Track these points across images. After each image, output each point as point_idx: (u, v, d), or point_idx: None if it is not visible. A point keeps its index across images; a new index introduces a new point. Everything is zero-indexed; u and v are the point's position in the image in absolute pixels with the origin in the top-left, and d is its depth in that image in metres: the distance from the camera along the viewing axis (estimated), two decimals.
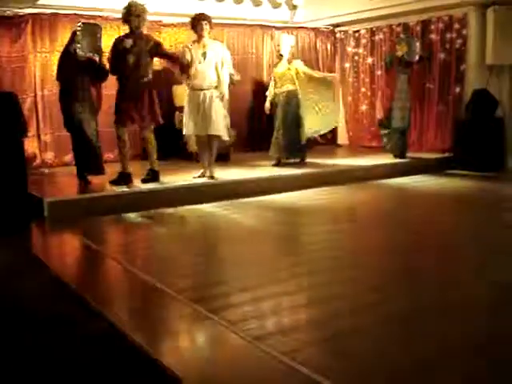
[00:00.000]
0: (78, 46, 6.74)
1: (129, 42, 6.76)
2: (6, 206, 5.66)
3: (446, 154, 9.37)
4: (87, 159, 6.92)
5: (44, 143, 8.77)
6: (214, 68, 7.10)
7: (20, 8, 8.46)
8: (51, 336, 3.17)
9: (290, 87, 8.56)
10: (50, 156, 8.82)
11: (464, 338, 3.03)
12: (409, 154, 9.21)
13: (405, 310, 3.44)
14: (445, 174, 8.73)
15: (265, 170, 8.19)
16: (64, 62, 7.00)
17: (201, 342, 3.16)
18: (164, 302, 3.62)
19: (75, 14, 8.56)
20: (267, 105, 8.86)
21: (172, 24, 9.77)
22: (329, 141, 11.64)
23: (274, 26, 11.06)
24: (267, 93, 8.91)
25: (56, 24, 8.60)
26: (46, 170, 8.52)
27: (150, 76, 6.88)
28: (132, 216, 6.19)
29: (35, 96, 8.66)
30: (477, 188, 7.79)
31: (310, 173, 8.15)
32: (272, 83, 8.82)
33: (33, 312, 3.53)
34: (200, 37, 7.17)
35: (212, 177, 7.28)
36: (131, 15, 6.73)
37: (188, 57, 7.05)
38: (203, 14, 7.26)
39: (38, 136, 8.71)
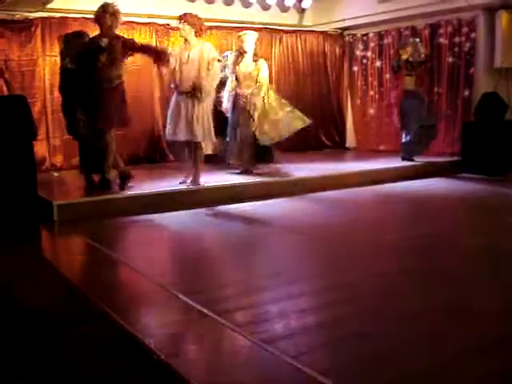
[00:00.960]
0: (67, 60, 6.88)
1: (104, 41, 6.54)
2: (15, 209, 5.68)
3: (455, 158, 9.34)
4: (93, 161, 6.93)
5: (53, 146, 8.82)
6: (197, 70, 6.84)
7: (30, 12, 8.52)
8: (61, 339, 3.18)
9: (254, 90, 8.00)
10: (59, 159, 8.86)
11: (477, 340, 3.01)
12: (417, 158, 9.20)
13: (415, 311, 3.43)
14: (453, 178, 8.70)
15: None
16: (62, 77, 7.14)
17: (208, 345, 3.15)
18: (172, 305, 3.62)
19: (84, 17, 8.59)
20: (228, 105, 8.19)
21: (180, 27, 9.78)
22: (337, 144, 11.66)
23: (282, 30, 11.09)
24: (224, 92, 8.20)
25: (65, 28, 8.62)
26: (55, 173, 8.56)
27: (123, 77, 6.71)
28: (141, 218, 6.19)
29: (44, 99, 8.72)
30: (485, 192, 7.75)
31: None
32: (233, 82, 8.09)
33: (43, 315, 3.54)
34: (184, 38, 7.06)
35: (193, 183, 7.03)
36: (107, 14, 6.57)
37: (172, 61, 6.90)
38: (183, 14, 7.04)
39: (48, 139, 8.76)
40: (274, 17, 10.92)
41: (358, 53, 11.41)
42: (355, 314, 3.40)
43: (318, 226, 5.83)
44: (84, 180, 7.10)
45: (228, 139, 8.14)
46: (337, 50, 11.74)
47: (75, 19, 8.73)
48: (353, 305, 3.55)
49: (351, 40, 11.58)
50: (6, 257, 4.78)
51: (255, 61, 8.06)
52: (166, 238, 5.69)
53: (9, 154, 5.74)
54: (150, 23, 9.61)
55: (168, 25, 9.68)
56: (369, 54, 11.17)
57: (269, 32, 10.93)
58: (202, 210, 6.52)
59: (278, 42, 11.07)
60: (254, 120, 7.89)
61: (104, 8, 6.61)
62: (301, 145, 11.21)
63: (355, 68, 11.50)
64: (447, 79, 9.74)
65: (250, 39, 8.07)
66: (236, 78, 8.06)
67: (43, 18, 8.66)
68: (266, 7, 10.68)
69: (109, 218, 6.08)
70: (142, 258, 4.81)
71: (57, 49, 8.59)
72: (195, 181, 7.05)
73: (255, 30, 10.55)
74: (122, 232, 5.99)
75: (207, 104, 6.99)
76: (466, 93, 9.52)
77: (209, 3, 10.09)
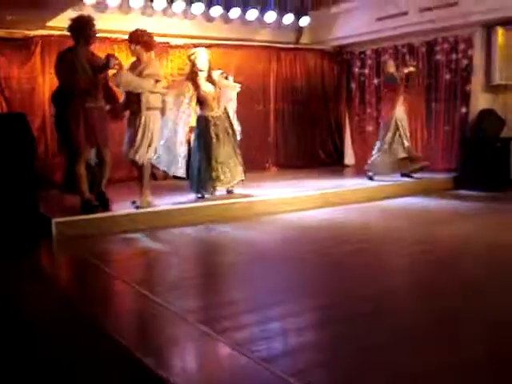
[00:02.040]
0: None
1: (86, 56, 6.36)
2: (16, 225, 5.70)
3: (452, 174, 9.37)
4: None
5: (52, 163, 8.83)
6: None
7: (29, 30, 8.57)
8: (59, 355, 3.17)
9: (220, 111, 7.50)
10: (58, 176, 8.86)
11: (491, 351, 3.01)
12: (416, 174, 9.23)
13: (418, 326, 3.44)
14: (450, 195, 8.72)
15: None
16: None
17: (209, 363, 3.15)
18: (172, 323, 3.62)
19: None
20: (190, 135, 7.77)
21: (179, 46, 9.86)
22: (335, 161, 11.70)
23: (280, 48, 11.16)
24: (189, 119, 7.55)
25: (65, 45, 8.62)
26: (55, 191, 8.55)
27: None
28: (139, 236, 6.20)
29: (44, 117, 8.75)
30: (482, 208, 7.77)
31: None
32: (192, 107, 7.48)
33: (41, 331, 3.54)
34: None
35: (137, 206, 6.67)
36: (91, 28, 6.41)
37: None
38: (132, 33, 6.77)
39: (47, 156, 8.78)
40: (272, 35, 10.99)
41: (356, 70, 11.48)
42: (353, 332, 3.40)
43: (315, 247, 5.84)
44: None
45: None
46: (334, 67, 11.83)
47: None
48: (350, 323, 3.55)
49: (349, 57, 11.66)
50: (4, 273, 4.79)
51: (210, 79, 7.44)
52: (163, 255, 5.68)
53: (10, 172, 5.76)
54: None
55: (167, 43, 9.74)
56: (366, 71, 11.24)
57: (267, 50, 11.02)
58: (199, 227, 6.55)
59: (275, 59, 11.14)
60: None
61: (88, 21, 6.41)
62: (298, 162, 11.28)
63: (353, 85, 11.57)
64: (444, 96, 9.79)
65: (203, 56, 7.44)
66: (200, 101, 7.42)
67: (43, 36, 8.72)
68: (264, 25, 10.75)
69: (107, 235, 6.09)
70: (139, 275, 4.81)
71: None
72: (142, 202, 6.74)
73: (253, 47, 10.71)
74: (120, 249, 5.98)
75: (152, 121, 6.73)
76: (463, 109, 9.57)
77: (208, 21, 10.16)
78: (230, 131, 7.55)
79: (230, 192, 7.66)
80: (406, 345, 3.21)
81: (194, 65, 7.43)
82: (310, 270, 4.95)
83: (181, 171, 7.41)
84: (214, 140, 7.34)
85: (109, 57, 6.35)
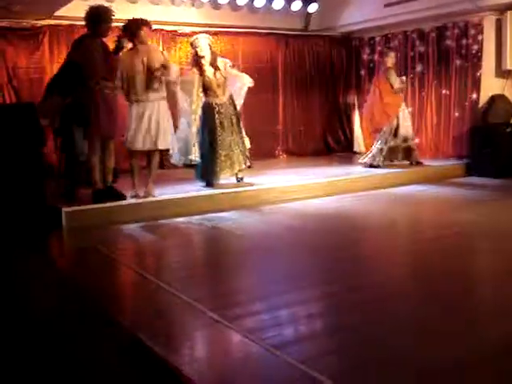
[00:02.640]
0: None
1: (100, 44, 6.39)
2: (24, 216, 5.71)
3: (463, 161, 9.31)
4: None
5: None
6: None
7: (37, 20, 8.57)
8: (70, 345, 3.19)
9: (225, 97, 7.44)
10: None
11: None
12: (425, 161, 9.20)
13: (430, 314, 3.42)
14: (461, 182, 8.67)
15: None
16: None
17: (219, 351, 3.15)
18: (183, 311, 3.62)
19: None
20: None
21: (187, 34, 9.81)
22: (345, 148, 11.65)
23: (288, 35, 11.10)
24: (185, 105, 7.66)
25: (73, 35, 8.61)
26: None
27: None
28: (150, 225, 6.21)
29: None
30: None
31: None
32: (195, 95, 7.49)
33: (52, 322, 3.55)
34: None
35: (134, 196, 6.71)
36: (109, 21, 6.41)
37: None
38: (132, 21, 6.71)
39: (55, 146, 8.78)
40: (280, 22, 10.92)
41: (365, 56, 11.40)
42: (364, 320, 3.39)
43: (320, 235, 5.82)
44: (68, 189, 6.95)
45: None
46: (343, 54, 11.74)
47: (83, 26, 8.74)
48: (361, 310, 3.54)
49: (358, 44, 11.58)
50: (15, 264, 4.81)
51: (214, 64, 7.38)
52: (174, 244, 5.69)
53: (18, 162, 5.78)
54: (156, 30, 9.62)
55: (175, 31, 9.71)
56: (375, 57, 11.15)
57: (275, 37, 10.96)
58: (206, 216, 6.54)
59: (284, 47, 11.09)
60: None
61: (108, 12, 6.42)
62: (308, 150, 11.25)
63: (362, 72, 11.49)
64: (455, 82, 9.70)
65: (203, 42, 7.42)
66: (204, 87, 7.37)
67: (51, 26, 8.73)
68: (272, 12, 10.69)
69: (117, 225, 6.10)
70: (150, 263, 4.82)
71: (65, 56, 8.64)
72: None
73: (260, 35, 10.66)
74: (131, 238, 6.00)
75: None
76: (474, 95, 9.49)
77: (215, 9, 10.11)
78: (235, 119, 7.49)
79: (239, 180, 7.64)
80: (416, 333, 3.20)
81: (196, 51, 7.41)
82: (319, 257, 4.93)
83: (195, 159, 7.53)
84: (219, 128, 7.30)
85: (120, 37, 6.43)
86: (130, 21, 6.74)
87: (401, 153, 9.15)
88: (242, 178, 7.66)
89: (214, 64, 7.39)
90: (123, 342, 3.20)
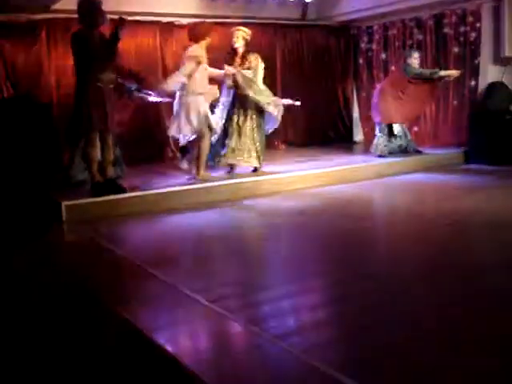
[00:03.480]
0: None
1: (97, 36, 6.33)
2: (29, 210, 5.73)
3: (462, 148, 9.31)
4: None
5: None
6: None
7: (34, 14, 8.54)
8: (72, 340, 3.21)
9: (251, 92, 7.55)
10: (67, 158, 8.88)
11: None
12: (425, 150, 9.22)
13: (434, 303, 3.44)
14: (460, 170, 8.67)
15: None
16: None
17: (221, 342, 3.17)
18: (183, 303, 3.64)
19: None
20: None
21: (184, 25, 9.78)
22: (344, 138, 11.63)
23: (285, 25, 11.07)
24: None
25: (70, 29, 8.60)
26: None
27: None
28: (150, 217, 6.22)
29: (51, 101, 8.73)
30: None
31: None
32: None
33: (52, 316, 3.57)
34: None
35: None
36: (96, 12, 6.32)
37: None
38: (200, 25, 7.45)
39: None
40: (277, 12, 10.87)
41: (363, 45, 11.38)
42: (367, 310, 3.40)
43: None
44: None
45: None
46: (341, 43, 11.71)
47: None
48: (364, 300, 3.56)
49: (356, 33, 11.56)
50: (15, 257, 4.83)
51: (246, 57, 7.66)
52: (175, 236, 5.69)
53: (20, 155, 5.79)
54: (153, 22, 9.61)
55: (172, 23, 9.68)
56: (374, 46, 11.13)
57: (272, 27, 10.92)
58: (212, 207, 6.56)
59: (281, 37, 11.06)
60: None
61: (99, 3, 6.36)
62: (307, 139, 11.23)
63: (360, 61, 11.48)
64: (453, 69, 9.67)
65: (239, 35, 7.69)
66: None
67: (48, 20, 8.68)
68: (269, 3, 10.64)
69: (117, 218, 6.11)
70: (151, 256, 4.82)
71: (62, 51, 8.64)
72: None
73: (257, 25, 10.62)
74: (131, 231, 6.01)
75: None
76: (473, 82, 9.48)
77: (212, 0, 10.07)
78: (254, 115, 7.65)
79: (231, 168, 7.75)
80: (422, 324, 3.20)
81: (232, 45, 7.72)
82: (323, 247, 4.95)
83: None
84: (235, 116, 7.56)
85: (117, 26, 6.15)
86: (199, 25, 7.47)
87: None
88: (232, 167, 7.78)
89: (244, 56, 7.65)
90: (123, 333, 3.22)
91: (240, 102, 7.59)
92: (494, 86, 9.09)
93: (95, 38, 6.29)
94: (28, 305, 3.80)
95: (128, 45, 9.08)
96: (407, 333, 3.04)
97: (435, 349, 2.81)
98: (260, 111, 7.70)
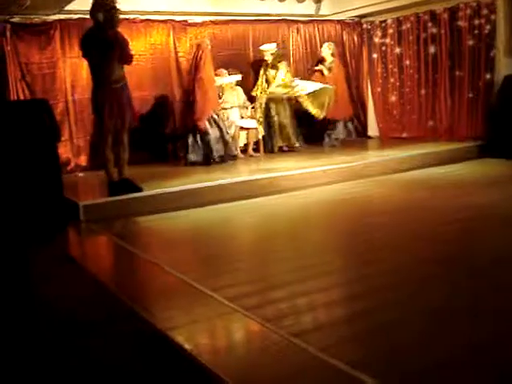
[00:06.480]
0: None
1: (110, 35, 6.36)
2: (42, 210, 5.76)
3: (479, 142, 9.23)
4: None
5: (77, 147, 8.92)
6: None
7: (47, 15, 8.59)
8: (91, 339, 3.23)
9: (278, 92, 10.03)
10: (83, 160, 8.96)
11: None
12: (440, 144, 9.15)
13: (451, 299, 3.42)
14: (476, 163, 8.60)
15: None
16: None
17: (238, 340, 3.18)
18: (200, 301, 3.65)
19: None
20: None
21: (197, 23, 9.80)
22: (359, 133, 11.58)
23: (299, 21, 11.04)
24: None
25: (84, 29, 8.68)
26: (80, 174, 8.67)
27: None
28: (167, 216, 6.24)
29: (66, 101, 8.80)
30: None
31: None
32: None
33: (72, 315, 3.60)
34: None
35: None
36: (110, 12, 6.37)
37: None
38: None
39: (71, 140, 8.86)
40: (291, 8, 10.86)
41: (377, 40, 11.31)
42: (383, 305, 3.40)
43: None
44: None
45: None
46: (355, 38, 11.64)
47: None
48: (379, 297, 3.55)
49: (369, 27, 11.48)
50: (34, 258, 4.86)
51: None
52: (191, 234, 5.71)
53: (34, 157, 5.82)
54: (167, 20, 9.62)
55: (185, 21, 9.69)
56: (388, 40, 11.07)
57: (286, 23, 10.90)
58: (226, 205, 6.57)
59: (295, 32, 11.02)
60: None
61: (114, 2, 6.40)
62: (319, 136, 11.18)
63: (374, 55, 11.40)
64: (468, 62, 9.61)
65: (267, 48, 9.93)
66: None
67: (61, 20, 8.74)
68: None
69: (135, 217, 6.15)
70: (168, 255, 4.84)
71: (76, 50, 8.66)
72: None
73: (271, 22, 10.62)
74: (148, 230, 6.03)
75: None
76: (488, 76, 9.39)
77: None
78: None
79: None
80: (439, 320, 3.19)
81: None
82: (339, 242, 4.95)
83: None
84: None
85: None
86: None
87: None
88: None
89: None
90: (144, 334, 3.24)
91: None
92: (509, 79, 9.00)
93: (104, 38, 6.30)
94: (44, 307, 3.83)
95: (142, 44, 9.15)
96: (426, 331, 3.03)
97: (454, 347, 2.80)
98: None
